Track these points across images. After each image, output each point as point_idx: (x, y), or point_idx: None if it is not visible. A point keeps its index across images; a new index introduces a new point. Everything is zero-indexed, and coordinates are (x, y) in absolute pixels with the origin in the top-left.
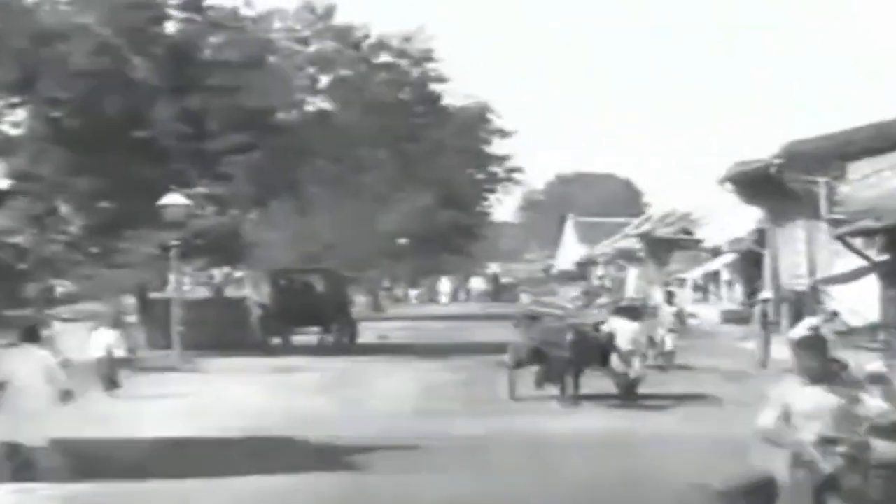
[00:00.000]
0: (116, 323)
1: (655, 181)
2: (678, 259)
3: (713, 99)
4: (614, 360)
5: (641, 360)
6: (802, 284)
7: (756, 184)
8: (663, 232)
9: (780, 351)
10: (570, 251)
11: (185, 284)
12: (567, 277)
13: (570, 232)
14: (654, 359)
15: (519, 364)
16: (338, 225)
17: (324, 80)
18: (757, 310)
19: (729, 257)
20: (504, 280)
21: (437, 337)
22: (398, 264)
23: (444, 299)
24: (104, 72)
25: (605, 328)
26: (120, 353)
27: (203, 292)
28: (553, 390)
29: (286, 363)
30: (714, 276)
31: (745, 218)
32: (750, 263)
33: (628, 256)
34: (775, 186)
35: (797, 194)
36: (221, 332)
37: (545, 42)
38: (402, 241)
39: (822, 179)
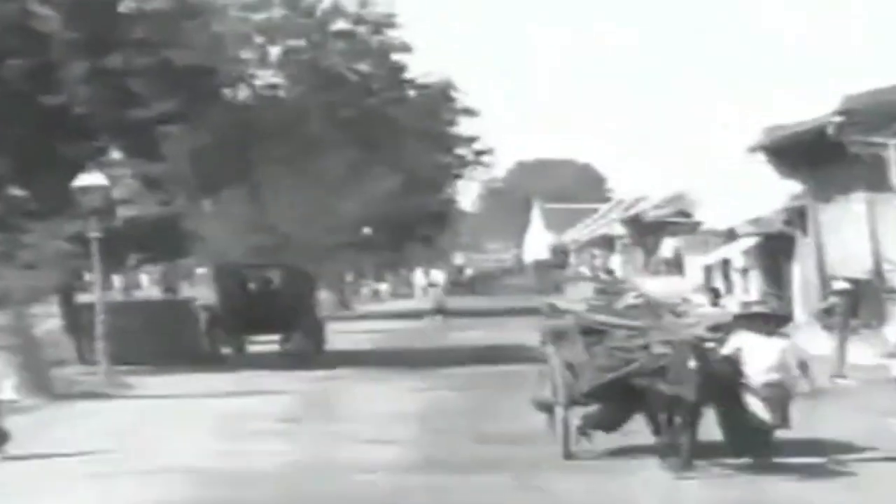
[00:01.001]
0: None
1: (616, 166)
2: (686, 245)
3: (682, 78)
4: (748, 398)
5: (787, 395)
6: (862, 271)
7: (799, 151)
8: (655, 214)
9: (861, 354)
10: (538, 239)
11: (133, 285)
12: (547, 267)
13: (536, 219)
14: None
15: (575, 402)
16: (294, 214)
17: (274, 52)
18: (831, 304)
19: (746, 242)
20: (469, 272)
21: (424, 340)
22: (363, 256)
23: (419, 293)
24: (3, 25)
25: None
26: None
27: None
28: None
29: (239, 382)
30: (724, 264)
31: (768, 195)
32: (774, 248)
33: (607, 243)
34: (827, 152)
35: (860, 160)
36: (161, 342)
37: (499, 30)
38: (367, 230)
39: (893, 142)
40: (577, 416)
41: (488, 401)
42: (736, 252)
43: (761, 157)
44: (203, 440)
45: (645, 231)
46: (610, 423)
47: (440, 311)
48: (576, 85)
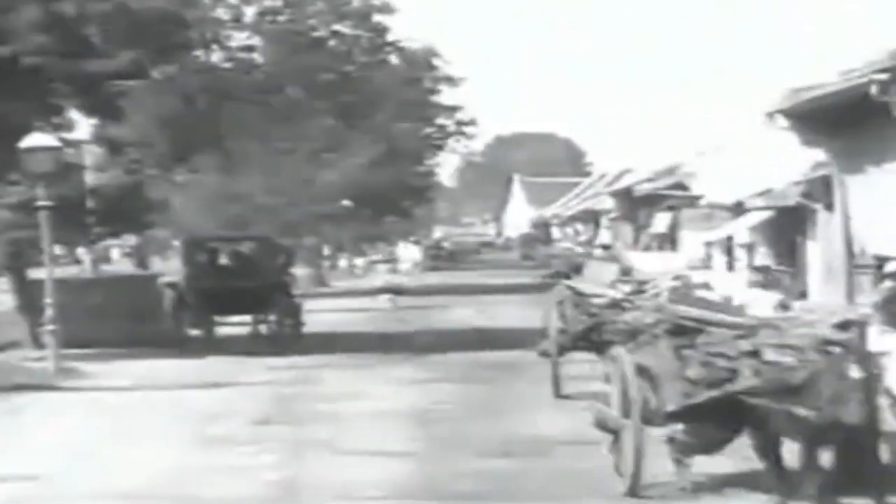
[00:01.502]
0: None
1: (597, 140)
2: (688, 219)
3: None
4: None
5: None
6: None
7: (827, 115)
8: (650, 187)
9: None
10: (519, 214)
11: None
12: (532, 241)
13: (517, 193)
14: None
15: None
16: (270, 184)
17: (249, 13)
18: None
19: (756, 216)
20: (446, 245)
21: (410, 321)
22: (341, 230)
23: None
24: None
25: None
26: None
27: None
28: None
29: (206, 371)
30: (727, 240)
31: (777, 166)
32: (787, 224)
33: (591, 218)
34: (862, 116)
35: None
36: (121, 323)
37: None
38: (346, 202)
39: None
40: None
41: (497, 396)
42: (742, 228)
43: (784, 122)
44: (153, 452)
45: (636, 205)
46: (709, 444)
47: (390, 290)
48: (555, 59)
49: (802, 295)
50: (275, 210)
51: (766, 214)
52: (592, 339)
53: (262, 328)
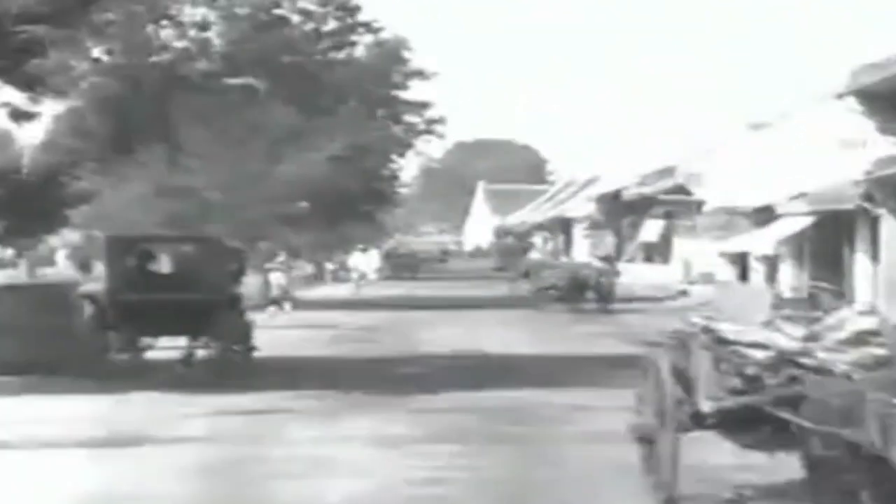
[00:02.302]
0: None
1: (557, 148)
2: (706, 227)
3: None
4: None
5: None
6: None
7: None
8: (642, 192)
9: None
10: (482, 222)
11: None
12: (509, 251)
13: (480, 201)
14: None
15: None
16: (221, 179)
17: None
18: None
19: (793, 223)
20: (409, 252)
21: (384, 342)
22: (297, 234)
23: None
24: None
25: None
26: None
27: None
28: None
29: (118, 416)
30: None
31: (825, 162)
32: (831, 231)
33: (562, 226)
34: None
35: None
36: (25, 343)
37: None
38: (303, 204)
39: None
40: None
41: (535, 477)
42: (772, 237)
43: (855, 105)
44: None
45: (620, 212)
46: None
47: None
48: (514, 65)
49: None
50: (226, 208)
51: (808, 220)
52: (745, 415)
53: (203, 352)
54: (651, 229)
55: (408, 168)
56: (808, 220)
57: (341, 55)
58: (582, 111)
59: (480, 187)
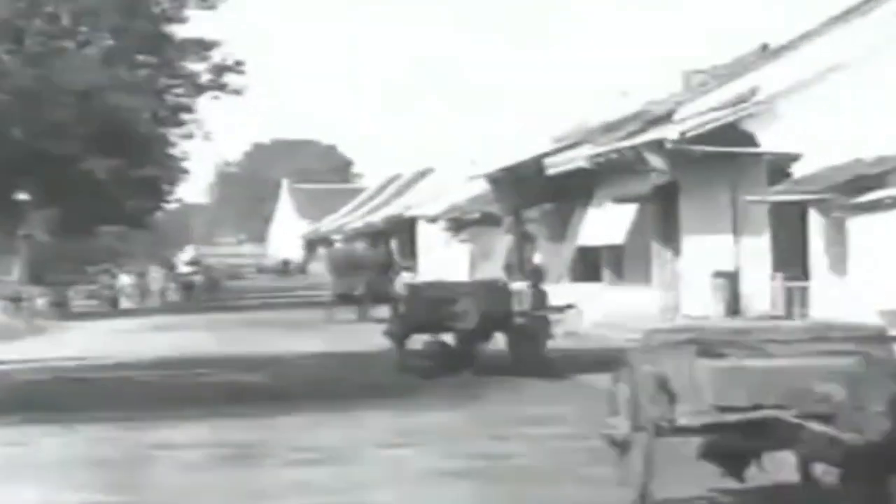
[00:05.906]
0: None
1: (361, 148)
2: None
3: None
4: None
5: None
6: None
7: None
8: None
9: None
10: (287, 229)
11: None
12: (359, 265)
13: (286, 204)
14: None
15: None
16: None
17: None
18: None
19: None
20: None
21: None
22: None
23: (126, 303)
24: None
25: None
26: None
27: None
28: None
29: None
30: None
31: None
32: None
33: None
34: None
35: None
36: None
37: None
38: (23, 196)
39: None
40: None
41: None
42: None
43: None
44: None
45: (534, 196)
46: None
47: None
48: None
49: None
50: None
51: None
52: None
53: None
54: (610, 224)
55: (200, 177)
56: None
57: None
58: (382, 111)
59: (285, 187)
